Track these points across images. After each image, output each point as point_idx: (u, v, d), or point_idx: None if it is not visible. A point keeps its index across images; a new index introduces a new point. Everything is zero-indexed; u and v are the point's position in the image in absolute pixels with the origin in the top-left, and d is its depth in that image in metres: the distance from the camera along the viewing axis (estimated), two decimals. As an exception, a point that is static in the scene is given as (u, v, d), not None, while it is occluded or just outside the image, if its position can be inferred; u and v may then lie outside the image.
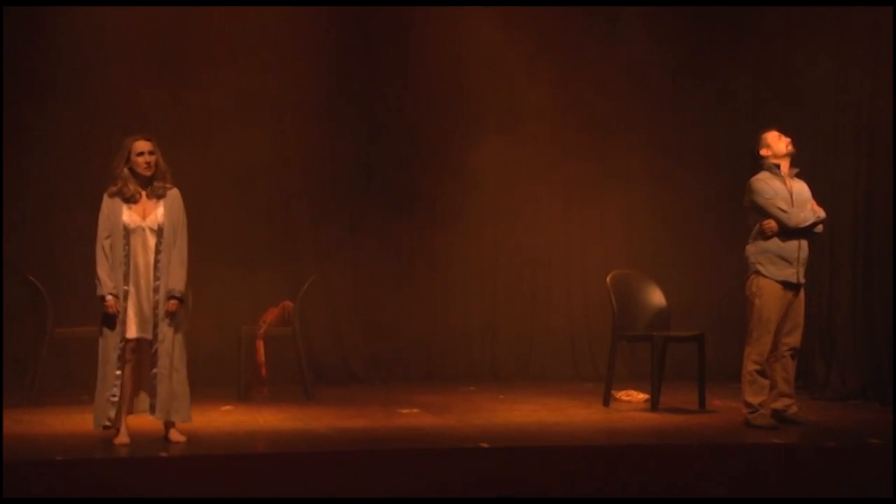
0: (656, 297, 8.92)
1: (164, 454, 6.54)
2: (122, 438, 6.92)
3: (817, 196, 8.02)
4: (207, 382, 9.71)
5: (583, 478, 6.29)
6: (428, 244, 10.71)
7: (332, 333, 10.58)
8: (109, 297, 6.86)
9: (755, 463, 6.63)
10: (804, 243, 7.65)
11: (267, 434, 7.45)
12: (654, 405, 8.51)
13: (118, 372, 6.89)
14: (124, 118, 10.00)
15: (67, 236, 9.89)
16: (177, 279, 6.95)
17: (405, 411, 8.44)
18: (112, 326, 6.89)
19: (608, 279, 8.83)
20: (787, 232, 7.60)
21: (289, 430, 7.64)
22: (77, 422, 7.85)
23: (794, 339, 7.67)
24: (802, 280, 7.67)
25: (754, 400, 7.61)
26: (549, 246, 10.88)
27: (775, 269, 7.61)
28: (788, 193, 7.66)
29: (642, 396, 9.03)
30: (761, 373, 7.61)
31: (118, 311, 6.87)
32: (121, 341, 6.89)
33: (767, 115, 9.28)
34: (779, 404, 7.70)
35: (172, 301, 6.93)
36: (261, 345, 9.31)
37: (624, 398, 9.14)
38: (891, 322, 8.74)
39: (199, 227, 9.38)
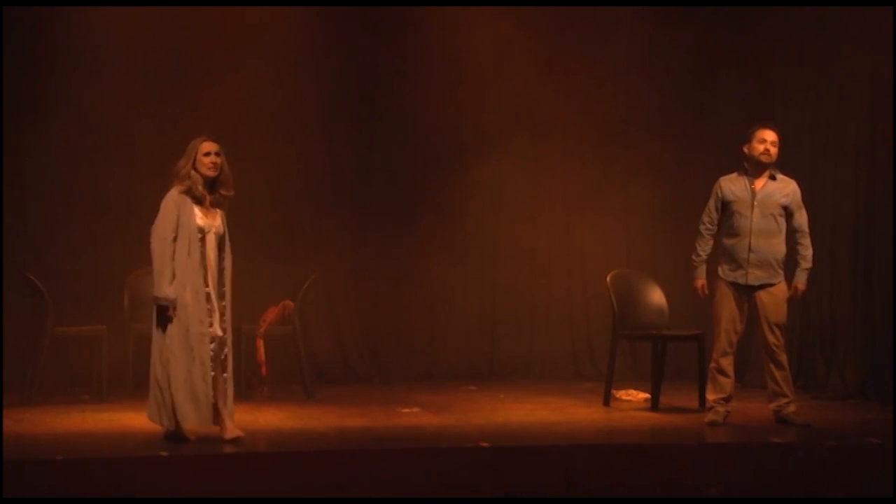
0: (656, 296, 8.93)
1: (164, 454, 6.53)
2: (235, 432, 6.95)
3: (819, 197, 8.03)
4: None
5: (583, 477, 6.29)
6: (428, 243, 10.71)
7: (332, 333, 10.59)
8: (165, 301, 6.87)
9: (755, 463, 6.63)
10: (758, 245, 7.62)
11: (267, 433, 7.45)
12: (654, 405, 8.51)
13: (213, 373, 6.92)
14: (124, 119, 10.04)
15: (68, 236, 9.90)
16: (231, 291, 7.10)
17: (405, 410, 8.44)
18: (167, 326, 6.88)
19: (608, 279, 8.83)
20: (733, 233, 7.68)
21: (289, 429, 7.65)
22: (77, 421, 7.85)
23: (773, 338, 7.64)
24: (755, 282, 7.63)
25: (710, 396, 7.71)
26: (549, 245, 10.89)
27: (728, 269, 7.70)
28: (750, 194, 7.66)
29: (642, 396, 9.03)
30: (719, 370, 7.66)
31: (174, 315, 6.87)
32: (211, 342, 6.92)
33: (769, 116, 9.28)
34: (774, 404, 7.70)
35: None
36: (261, 344, 9.31)
37: (624, 397, 9.14)
38: (891, 322, 8.74)
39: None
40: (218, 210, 7.07)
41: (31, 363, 8.90)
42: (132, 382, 9.14)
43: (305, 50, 10.52)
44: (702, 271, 7.86)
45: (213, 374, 6.91)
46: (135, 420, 7.89)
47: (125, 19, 9.93)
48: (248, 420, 7.94)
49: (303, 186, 10.57)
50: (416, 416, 8.22)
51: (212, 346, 6.93)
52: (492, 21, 10.63)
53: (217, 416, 6.95)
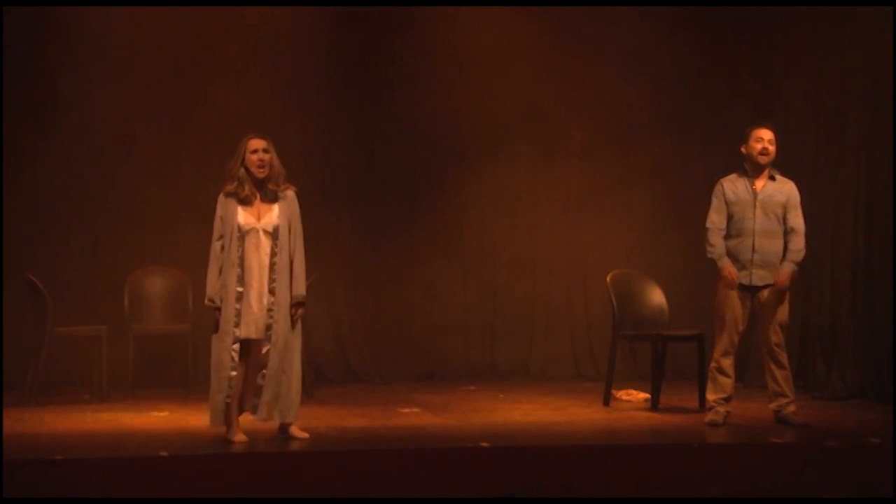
0: (656, 297, 8.93)
1: (164, 454, 6.53)
2: (240, 437, 6.96)
3: (819, 197, 7.99)
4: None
5: (583, 478, 6.28)
6: (428, 243, 10.71)
7: (332, 333, 10.59)
8: (208, 302, 6.97)
9: (755, 463, 6.63)
10: (762, 245, 7.62)
11: (266, 433, 7.44)
12: (654, 405, 8.51)
13: (233, 373, 6.92)
14: (124, 120, 10.04)
15: (68, 236, 9.90)
16: (301, 285, 7.03)
17: (405, 410, 8.44)
18: (217, 329, 6.94)
19: (608, 279, 8.83)
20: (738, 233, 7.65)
21: (289, 429, 7.64)
22: (77, 421, 7.86)
23: (776, 337, 7.65)
24: (759, 283, 7.63)
25: (710, 396, 7.73)
26: (549, 245, 10.89)
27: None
28: (752, 195, 7.66)
29: (642, 396, 9.03)
30: (720, 370, 7.66)
31: (219, 315, 6.91)
32: (233, 342, 6.92)
33: (769, 117, 9.27)
34: (774, 404, 7.70)
35: (299, 307, 7.02)
36: (261, 344, 9.30)
37: (624, 398, 9.14)
38: (891, 322, 8.74)
39: (202, 229, 9.42)
40: (274, 205, 7.01)
41: (31, 363, 8.90)
42: (132, 382, 9.16)
43: (307, 50, 10.53)
44: (726, 262, 7.67)
45: (233, 374, 6.91)
46: (135, 420, 7.91)
47: (125, 19, 9.94)
48: (248, 420, 7.95)
49: (303, 187, 10.48)
50: (416, 416, 8.23)
51: (234, 346, 6.92)
52: (494, 22, 10.63)
53: (228, 418, 6.94)
